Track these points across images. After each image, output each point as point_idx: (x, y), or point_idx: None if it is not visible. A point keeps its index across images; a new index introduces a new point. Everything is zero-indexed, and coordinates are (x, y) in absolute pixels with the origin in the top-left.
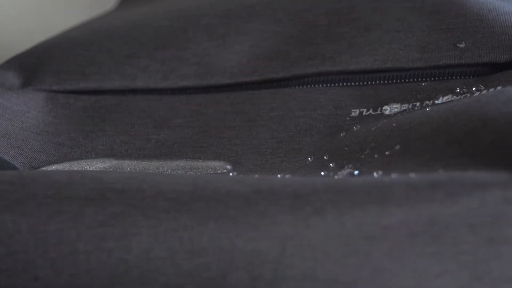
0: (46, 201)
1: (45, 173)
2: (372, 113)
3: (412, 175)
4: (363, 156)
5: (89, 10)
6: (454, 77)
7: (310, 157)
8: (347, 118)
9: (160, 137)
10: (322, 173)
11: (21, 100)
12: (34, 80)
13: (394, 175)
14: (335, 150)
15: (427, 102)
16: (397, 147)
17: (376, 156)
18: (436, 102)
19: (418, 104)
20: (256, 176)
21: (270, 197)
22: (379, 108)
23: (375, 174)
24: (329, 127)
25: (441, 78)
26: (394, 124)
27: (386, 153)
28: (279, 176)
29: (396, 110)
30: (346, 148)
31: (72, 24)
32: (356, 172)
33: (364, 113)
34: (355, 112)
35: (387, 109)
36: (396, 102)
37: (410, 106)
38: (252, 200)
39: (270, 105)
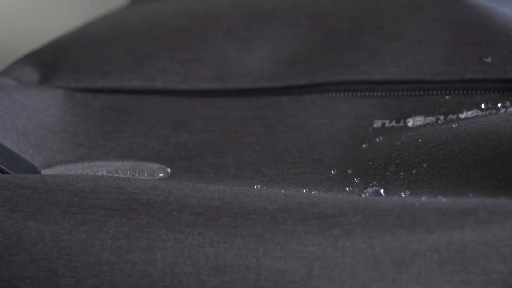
0: (70, 209)
1: (69, 180)
2: (395, 125)
3: (442, 199)
4: (388, 173)
5: (90, 10)
6: (479, 92)
7: (333, 170)
8: (370, 129)
9: (180, 140)
10: (347, 189)
11: (39, 98)
12: (53, 77)
13: (424, 198)
14: (359, 164)
15: (451, 116)
16: (424, 165)
17: (402, 174)
18: (461, 116)
19: (442, 117)
20: (283, 191)
21: (298, 216)
22: (402, 120)
23: (402, 194)
24: (351, 137)
25: (465, 92)
26: (419, 140)
27: (413, 171)
28: (304, 191)
29: (419, 123)
30: (370, 163)
31: (73, 23)
32: (382, 190)
33: (386, 125)
34: (377, 123)
35: (410, 121)
36: (420, 114)
37: (433, 119)
38: (280, 218)
39: (291, 111)
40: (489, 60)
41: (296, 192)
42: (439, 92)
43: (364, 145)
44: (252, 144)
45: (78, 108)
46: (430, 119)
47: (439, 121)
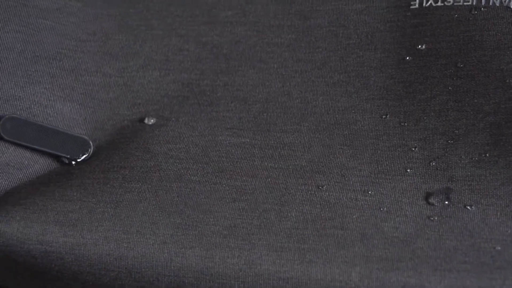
0: None
1: None
2: (433, 4)
3: None
4: (448, 149)
5: None
6: None
7: (386, 115)
8: (408, 14)
9: (215, 41)
10: (408, 171)
11: None
12: None
13: (499, 249)
14: (413, 111)
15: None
16: (487, 155)
17: (462, 157)
18: None
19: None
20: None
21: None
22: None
23: (468, 208)
24: (390, 28)
25: None
26: (475, 100)
27: (475, 158)
28: (369, 192)
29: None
30: (425, 118)
31: None
32: (446, 202)
33: (424, 4)
34: (414, 3)
35: (451, 1)
36: None
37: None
38: None
39: None
40: None
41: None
42: None
43: (408, 58)
44: (291, 47)
45: None
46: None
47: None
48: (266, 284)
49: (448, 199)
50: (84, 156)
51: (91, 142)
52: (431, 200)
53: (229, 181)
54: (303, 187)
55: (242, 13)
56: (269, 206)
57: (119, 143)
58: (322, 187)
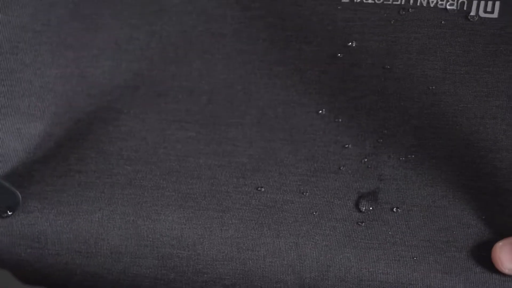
0: None
1: None
2: (364, 0)
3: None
4: (378, 148)
5: None
6: None
7: (322, 110)
8: (339, 7)
9: (163, 30)
10: (341, 168)
11: None
12: None
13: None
14: (346, 109)
15: None
16: (413, 156)
17: (391, 156)
18: None
19: None
20: None
21: None
22: None
23: (394, 210)
24: (322, 21)
25: None
26: (402, 104)
27: (402, 158)
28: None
29: None
30: (357, 116)
31: None
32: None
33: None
34: None
35: None
36: None
37: None
38: None
39: None
40: None
41: None
42: None
43: (339, 54)
44: (234, 38)
45: None
46: None
47: None
48: None
49: (376, 200)
50: (10, 213)
51: (20, 198)
52: (361, 203)
53: (175, 184)
54: (243, 188)
55: (189, 1)
56: (212, 213)
57: (75, 141)
58: (261, 188)
